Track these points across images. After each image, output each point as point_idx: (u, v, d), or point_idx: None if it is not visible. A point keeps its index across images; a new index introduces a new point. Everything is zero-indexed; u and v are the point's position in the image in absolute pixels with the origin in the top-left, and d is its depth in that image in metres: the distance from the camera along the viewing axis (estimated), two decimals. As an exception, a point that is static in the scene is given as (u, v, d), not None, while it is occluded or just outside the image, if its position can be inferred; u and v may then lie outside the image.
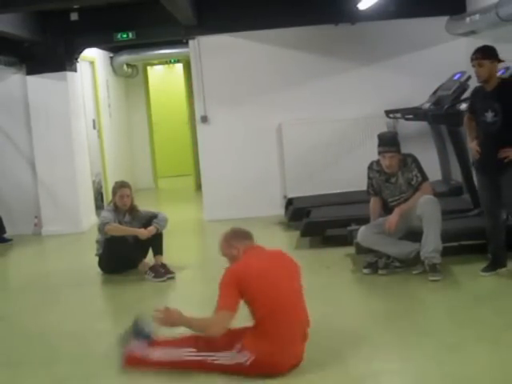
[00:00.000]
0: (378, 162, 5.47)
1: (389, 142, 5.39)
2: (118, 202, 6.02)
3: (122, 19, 7.89)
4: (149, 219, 6.06)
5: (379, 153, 5.39)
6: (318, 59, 8.11)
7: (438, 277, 5.12)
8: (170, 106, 12.75)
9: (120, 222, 5.99)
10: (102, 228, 5.96)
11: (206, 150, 8.37)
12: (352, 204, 6.81)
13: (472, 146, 5.10)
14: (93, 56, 9.62)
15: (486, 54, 4.82)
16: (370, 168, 5.55)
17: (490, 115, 4.86)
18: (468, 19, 6.95)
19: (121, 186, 6.09)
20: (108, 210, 6.12)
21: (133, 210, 6.11)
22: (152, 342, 3.77)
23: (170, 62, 12.58)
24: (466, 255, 5.62)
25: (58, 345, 4.49)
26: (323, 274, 5.67)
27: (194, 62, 8.28)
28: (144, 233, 5.93)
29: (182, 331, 3.72)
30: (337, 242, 6.37)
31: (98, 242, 6.09)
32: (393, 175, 5.40)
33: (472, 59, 4.87)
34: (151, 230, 5.95)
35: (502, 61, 4.88)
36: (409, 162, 5.38)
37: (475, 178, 6.30)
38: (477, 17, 6.62)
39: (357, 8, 7.18)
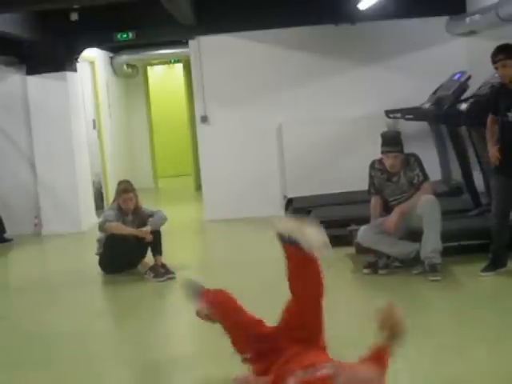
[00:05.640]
0: (379, 160, 5.46)
1: (392, 141, 5.38)
2: (122, 205, 6.01)
3: (122, 19, 7.88)
4: (146, 219, 6.06)
5: (382, 152, 5.38)
6: (318, 59, 8.11)
7: (438, 277, 5.11)
8: (169, 106, 12.74)
9: (124, 222, 5.99)
10: (102, 225, 5.96)
11: (206, 149, 8.37)
12: (352, 204, 6.80)
13: (492, 153, 5.01)
14: (93, 56, 9.61)
15: (508, 54, 4.74)
16: (371, 167, 5.54)
17: (511, 115, 4.80)
18: (468, 19, 6.96)
19: (124, 191, 6.02)
20: (112, 208, 6.11)
21: (136, 209, 6.10)
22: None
23: (170, 62, 12.58)
24: (466, 255, 5.62)
25: (58, 345, 4.50)
26: (323, 273, 5.65)
27: (194, 62, 8.28)
28: (141, 234, 5.91)
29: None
30: (337, 242, 6.35)
31: (98, 240, 6.09)
32: (395, 174, 5.40)
33: (494, 61, 4.78)
34: (146, 230, 5.92)
35: None
36: (411, 162, 5.37)
37: (476, 179, 6.32)
38: (477, 17, 6.62)
39: (357, 8, 7.18)
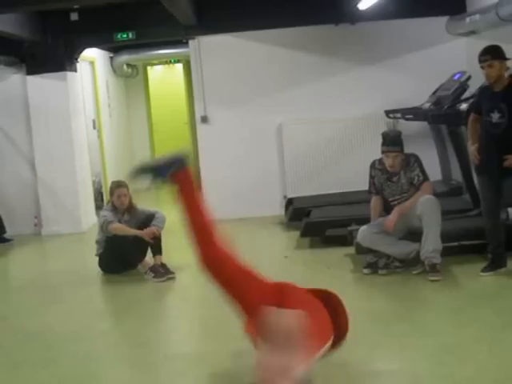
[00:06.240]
0: (380, 160, 5.47)
1: (392, 141, 5.38)
2: (116, 202, 6.02)
3: (122, 19, 7.88)
4: (146, 218, 6.05)
5: (382, 152, 5.39)
6: (318, 59, 8.11)
7: (437, 277, 5.11)
8: (170, 106, 12.75)
9: (119, 221, 5.99)
10: (105, 226, 5.94)
11: (206, 150, 8.37)
12: (352, 204, 6.81)
13: (472, 151, 5.07)
14: (93, 56, 9.62)
15: (495, 55, 4.78)
16: (372, 166, 5.54)
17: (495, 116, 4.82)
18: (468, 19, 6.95)
19: (117, 186, 6.09)
20: (107, 209, 6.12)
21: (131, 208, 6.11)
22: None
23: (170, 62, 12.59)
24: (466, 255, 5.62)
25: (58, 345, 4.49)
26: (323, 274, 5.67)
27: (193, 62, 8.28)
28: (147, 235, 5.92)
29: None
30: (337, 242, 6.37)
31: (97, 242, 6.08)
32: (395, 174, 5.40)
33: (481, 61, 4.82)
34: (154, 231, 5.94)
35: (509, 59, 4.84)
36: (411, 162, 5.37)
37: (475, 179, 6.32)
38: (477, 17, 6.62)
39: (357, 8, 7.17)
